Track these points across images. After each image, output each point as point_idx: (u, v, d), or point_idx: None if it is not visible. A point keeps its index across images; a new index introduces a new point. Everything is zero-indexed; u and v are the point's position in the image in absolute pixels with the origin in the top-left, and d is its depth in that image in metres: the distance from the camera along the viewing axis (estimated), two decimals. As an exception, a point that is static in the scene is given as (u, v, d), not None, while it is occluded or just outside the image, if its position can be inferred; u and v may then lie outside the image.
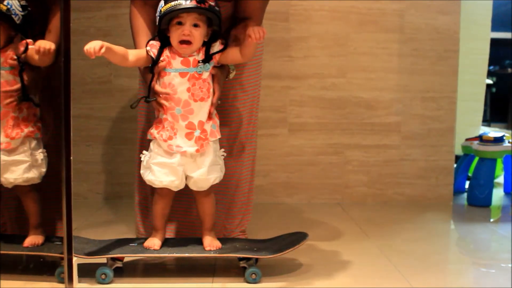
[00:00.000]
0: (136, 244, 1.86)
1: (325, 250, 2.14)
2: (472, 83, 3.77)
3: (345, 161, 3.03)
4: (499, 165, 3.38)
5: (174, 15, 1.71)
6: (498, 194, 3.30)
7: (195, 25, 1.73)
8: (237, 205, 2.15)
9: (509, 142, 3.12)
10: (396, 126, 3.06)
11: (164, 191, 1.84)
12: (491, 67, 6.47)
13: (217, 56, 1.79)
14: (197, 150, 1.77)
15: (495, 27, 3.92)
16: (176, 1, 1.68)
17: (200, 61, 1.76)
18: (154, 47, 1.78)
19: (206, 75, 1.78)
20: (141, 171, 1.84)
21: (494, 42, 3.94)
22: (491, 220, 2.82)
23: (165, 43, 1.77)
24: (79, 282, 1.72)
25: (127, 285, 1.74)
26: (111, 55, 1.71)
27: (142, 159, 1.83)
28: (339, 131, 3.03)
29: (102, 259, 1.77)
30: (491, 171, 3.05)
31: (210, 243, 1.84)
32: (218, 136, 1.83)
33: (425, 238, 2.36)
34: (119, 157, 3.00)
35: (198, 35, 1.74)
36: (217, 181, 1.84)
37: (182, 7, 1.68)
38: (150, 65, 1.78)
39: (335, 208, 2.90)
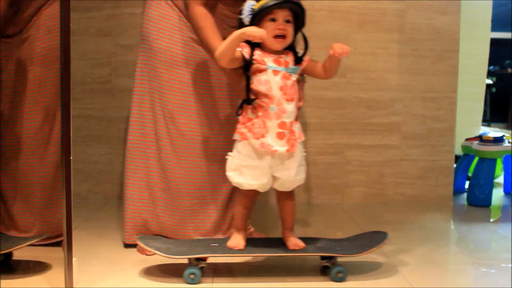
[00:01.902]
0: (218, 245, 1.87)
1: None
2: (472, 83, 3.77)
3: (345, 161, 3.03)
4: (499, 165, 3.38)
5: (268, 11, 1.75)
6: (498, 194, 3.30)
7: (287, 21, 1.77)
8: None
9: (509, 142, 3.12)
10: (396, 126, 3.06)
11: (249, 193, 1.85)
12: (491, 67, 6.47)
13: (304, 61, 1.83)
14: (288, 150, 1.77)
15: (495, 27, 3.92)
16: None
17: (290, 64, 1.80)
18: (244, 47, 1.78)
19: (294, 77, 1.81)
20: (228, 173, 1.83)
21: (494, 42, 3.94)
22: (491, 220, 2.82)
23: (253, 44, 1.79)
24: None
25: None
26: (233, 50, 1.74)
27: (229, 161, 1.83)
28: (339, 131, 3.03)
29: (183, 260, 1.80)
30: (491, 171, 3.05)
31: (295, 242, 1.85)
32: (303, 138, 1.84)
33: (425, 238, 2.36)
34: (119, 157, 3.00)
35: (290, 30, 1.79)
36: (302, 182, 1.86)
37: (279, 1, 1.73)
38: (242, 65, 1.79)
39: (335, 208, 2.90)
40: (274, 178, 1.81)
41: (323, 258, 1.86)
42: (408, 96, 3.06)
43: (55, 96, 2.03)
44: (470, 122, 3.81)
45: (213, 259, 1.87)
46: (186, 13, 2.01)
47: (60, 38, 1.57)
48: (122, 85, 2.97)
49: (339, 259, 1.81)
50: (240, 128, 1.80)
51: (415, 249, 2.16)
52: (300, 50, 1.83)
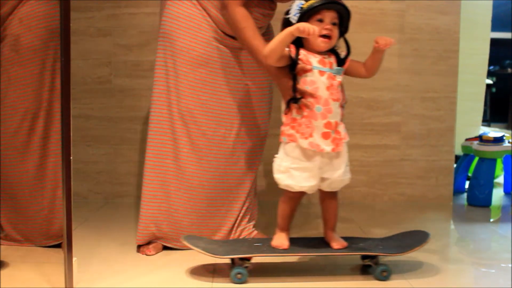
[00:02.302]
0: (261, 244, 1.88)
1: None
2: (472, 83, 3.77)
3: (345, 161, 3.03)
4: (499, 165, 3.38)
5: (316, 12, 1.77)
6: (498, 194, 3.30)
7: (333, 24, 1.80)
8: (245, 202, 2.18)
9: (509, 142, 3.12)
10: (396, 126, 3.06)
11: (296, 194, 1.86)
12: (491, 67, 6.47)
13: (347, 62, 1.85)
14: (333, 149, 1.78)
15: (495, 27, 3.92)
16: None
17: (335, 64, 1.82)
18: (290, 46, 1.79)
19: (339, 78, 1.83)
20: (276, 176, 1.83)
21: (494, 42, 3.94)
22: (491, 220, 2.82)
23: (297, 45, 1.80)
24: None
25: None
26: (283, 47, 1.76)
27: (277, 163, 1.83)
28: (339, 131, 3.03)
29: (226, 260, 1.84)
30: (491, 171, 3.05)
31: (338, 242, 1.87)
32: (348, 138, 1.85)
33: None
34: (119, 157, 3.00)
35: (336, 32, 1.81)
36: (348, 181, 1.87)
37: (328, 1, 1.76)
38: (288, 64, 1.80)
39: (335, 208, 2.90)
40: (322, 179, 1.83)
41: (364, 257, 1.89)
42: (408, 96, 3.06)
43: (35, 95, 2.02)
44: (470, 122, 3.81)
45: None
46: (223, 14, 1.98)
47: (60, 38, 1.57)
48: (122, 85, 2.98)
49: (382, 258, 1.83)
50: (287, 129, 1.82)
51: (415, 249, 2.16)
52: (341, 52, 1.86)
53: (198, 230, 2.10)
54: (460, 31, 3.06)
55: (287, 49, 1.78)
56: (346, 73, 1.88)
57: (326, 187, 1.85)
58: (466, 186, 3.26)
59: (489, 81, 6.13)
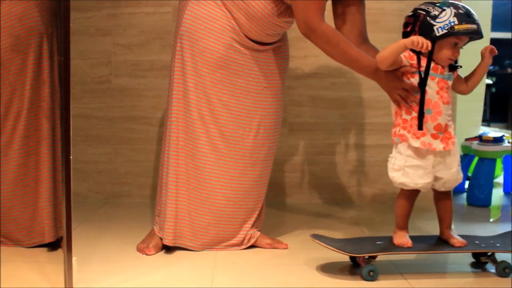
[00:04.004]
0: (382, 243, 1.91)
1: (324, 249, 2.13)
2: (472, 83, 3.76)
3: (345, 161, 3.03)
4: (499, 165, 3.37)
5: (458, 35, 1.81)
6: (497, 194, 3.30)
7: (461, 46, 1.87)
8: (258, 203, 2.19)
9: (508, 142, 3.12)
10: (396, 126, 3.05)
11: (412, 192, 1.90)
12: (491, 67, 6.47)
13: (456, 71, 1.92)
14: (444, 148, 1.84)
15: (495, 27, 3.92)
16: (469, 25, 1.80)
17: (446, 70, 1.87)
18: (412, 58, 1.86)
19: (450, 83, 1.88)
20: (391, 174, 1.88)
21: (494, 42, 3.93)
22: (491, 220, 2.82)
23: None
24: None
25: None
26: (396, 57, 1.83)
27: (391, 162, 1.88)
28: (339, 131, 3.03)
29: (345, 257, 1.89)
30: (490, 171, 3.05)
31: (458, 240, 1.90)
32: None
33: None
34: (119, 157, 3.00)
35: (458, 54, 1.88)
36: (461, 180, 1.92)
37: (475, 30, 1.82)
38: (418, 81, 1.84)
39: (335, 208, 2.90)
40: (435, 178, 1.87)
41: (480, 255, 1.94)
42: (408, 96, 3.05)
43: (17, 95, 2.00)
44: (470, 122, 3.81)
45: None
46: (308, 37, 1.97)
47: (60, 38, 1.57)
48: (122, 85, 2.97)
49: (499, 256, 1.89)
50: (398, 130, 1.87)
51: (415, 249, 2.16)
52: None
53: (216, 232, 2.10)
54: (460, 31, 3.05)
55: (405, 55, 1.84)
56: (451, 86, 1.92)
57: (440, 187, 1.90)
58: (466, 186, 3.26)
59: (489, 81, 6.14)
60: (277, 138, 2.23)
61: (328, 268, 1.91)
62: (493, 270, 1.89)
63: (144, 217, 2.59)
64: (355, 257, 1.88)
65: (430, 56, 1.82)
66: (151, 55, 2.96)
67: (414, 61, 1.84)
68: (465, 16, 1.79)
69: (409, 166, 1.85)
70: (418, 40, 1.76)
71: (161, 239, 2.10)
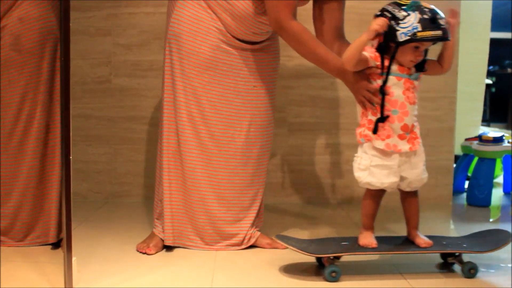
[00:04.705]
0: (348, 243, 1.90)
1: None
2: (472, 83, 3.77)
3: (345, 161, 3.03)
4: (499, 165, 3.38)
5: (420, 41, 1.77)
6: (497, 194, 3.30)
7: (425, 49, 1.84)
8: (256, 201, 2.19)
9: (508, 142, 3.12)
10: (395, 126, 3.05)
11: (377, 192, 1.90)
12: (491, 67, 6.47)
13: (426, 66, 1.87)
14: (410, 148, 1.84)
15: (495, 27, 3.92)
16: (433, 31, 1.75)
17: (413, 70, 1.84)
18: (370, 52, 1.83)
19: (416, 84, 1.87)
20: (357, 174, 1.87)
21: (494, 42, 3.94)
22: (491, 220, 2.82)
23: (382, 52, 1.82)
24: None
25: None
26: (359, 53, 1.80)
27: (356, 161, 1.87)
28: (339, 131, 3.03)
29: (311, 258, 1.88)
30: (490, 171, 3.05)
31: (425, 240, 1.89)
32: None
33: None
34: (119, 157, 3.00)
35: (422, 57, 1.84)
36: (426, 180, 1.91)
37: (440, 37, 1.76)
38: (380, 86, 1.83)
39: (335, 208, 2.90)
40: (401, 178, 1.87)
41: (447, 256, 1.93)
42: (407, 96, 3.05)
43: (32, 93, 2.03)
44: (469, 122, 3.81)
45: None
46: (279, 34, 1.99)
47: (60, 38, 1.57)
48: (121, 85, 2.97)
49: (466, 257, 1.87)
50: (363, 131, 1.86)
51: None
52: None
53: (213, 231, 2.11)
54: (460, 31, 3.06)
55: (366, 53, 1.81)
56: (426, 73, 1.91)
57: (405, 187, 1.90)
58: (466, 186, 3.26)
59: (489, 81, 6.13)
60: (270, 137, 2.22)
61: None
62: (459, 271, 1.87)
63: (144, 217, 2.59)
64: (320, 257, 1.87)
65: (391, 60, 1.81)
66: (151, 55, 2.96)
67: (379, 62, 1.83)
68: (429, 22, 1.75)
69: (375, 166, 1.84)
70: (375, 28, 1.76)
71: (161, 239, 2.10)
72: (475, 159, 3.20)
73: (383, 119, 1.82)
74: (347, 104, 3.02)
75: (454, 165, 3.18)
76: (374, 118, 1.84)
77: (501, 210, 3.02)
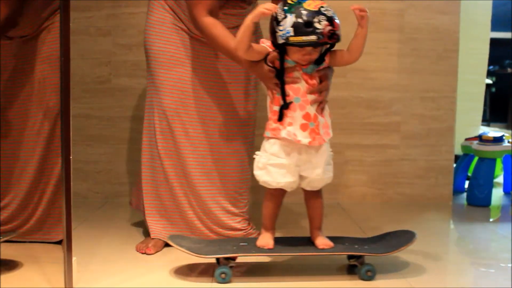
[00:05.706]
0: (247, 244, 1.88)
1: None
2: (472, 83, 3.77)
3: (344, 161, 3.03)
4: (499, 165, 3.38)
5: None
6: (497, 194, 3.30)
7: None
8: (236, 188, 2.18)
9: (508, 142, 3.12)
10: (396, 126, 3.06)
11: (277, 192, 1.86)
12: (491, 67, 6.46)
13: (327, 60, 1.83)
14: (310, 143, 1.77)
15: (495, 27, 3.92)
16: (305, 37, 1.69)
17: (312, 63, 1.80)
18: (267, 42, 1.82)
19: (314, 74, 1.81)
20: (255, 172, 1.84)
21: (494, 42, 3.94)
22: (491, 220, 2.82)
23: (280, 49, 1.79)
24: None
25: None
26: (248, 38, 1.76)
27: (256, 160, 1.84)
28: (339, 131, 3.03)
29: (212, 260, 1.82)
30: (490, 171, 3.05)
31: (324, 242, 1.85)
32: (331, 135, 1.84)
33: (425, 238, 2.36)
34: (119, 156, 3.00)
35: (316, 54, 1.79)
36: (329, 180, 1.86)
37: (313, 42, 1.71)
38: (263, 58, 1.81)
39: (335, 208, 2.90)
40: (301, 177, 1.83)
41: (350, 257, 1.88)
42: (407, 96, 3.06)
43: (58, 97, 2.04)
44: (469, 122, 3.81)
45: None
46: (195, 26, 2.01)
47: (60, 38, 1.57)
48: (121, 85, 2.98)
49: (367, 258, 1.82)
50: (270, 124, 1.82)
51: (414, 249, 2.16)
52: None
53: (202, 227, 2.13)
54: (459, 31, 3.06)
55: (263, 45, 1.80)
56: (332, 65, 1.86)
57: (306, 186, 1.85)
58: (466, 186, 3.27)
59: (489, 81, 6.13)
60: (250, 135, 2.21)
61: (329, 268, 1.91)
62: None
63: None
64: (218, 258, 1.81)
65: (282, 56, 1.78)
66: (151, 55, 2.96)
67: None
68: (303, 27, 1.68)
69: (272, 165, 1.80)
70: (261, 11, 1.71)
71: (161, 239, 2.11)
72: (475, 159, 3.20)
73: (286, 105, 1.78)
74: (347, 104, 3.02)
75: (454, 165, 3.18)
76: (278, 108, 1.80)
77: (501, 210, 3.02)
